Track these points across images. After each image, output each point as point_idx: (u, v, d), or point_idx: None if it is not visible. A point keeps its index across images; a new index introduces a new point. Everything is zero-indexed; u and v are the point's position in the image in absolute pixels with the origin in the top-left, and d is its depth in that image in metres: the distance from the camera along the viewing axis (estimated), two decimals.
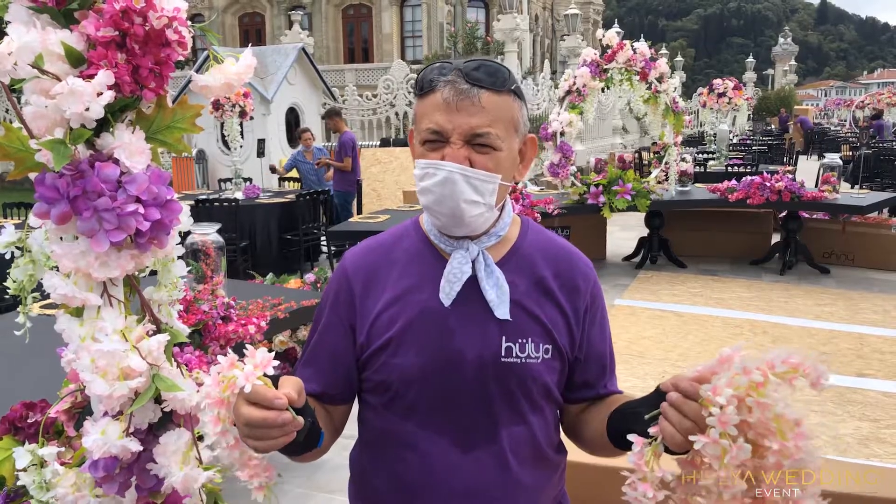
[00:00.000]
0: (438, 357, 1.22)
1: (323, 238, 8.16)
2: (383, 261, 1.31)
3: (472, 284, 1.24)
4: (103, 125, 0.94)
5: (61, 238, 0.96)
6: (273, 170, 10.24)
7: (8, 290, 1.19)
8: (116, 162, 0.94)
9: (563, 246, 1.36)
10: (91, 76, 0.91)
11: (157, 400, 1.01)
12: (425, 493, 1.24)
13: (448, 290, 1.22)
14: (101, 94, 0.90)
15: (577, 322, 1.29)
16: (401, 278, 1.27)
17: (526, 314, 1.25)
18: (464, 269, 1.23)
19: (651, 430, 1.04)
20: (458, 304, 1.23)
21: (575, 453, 1.42)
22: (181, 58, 1.03)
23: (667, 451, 1.03)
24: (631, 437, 1.05)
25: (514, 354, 1.23)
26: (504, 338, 1.23)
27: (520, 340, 1.23)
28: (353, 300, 1.29)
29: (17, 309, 2.89)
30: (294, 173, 9.87)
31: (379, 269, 1.30)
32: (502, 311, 1.22)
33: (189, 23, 1.01)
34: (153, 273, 1.14)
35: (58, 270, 0.97)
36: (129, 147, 0.94)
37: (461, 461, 1.23)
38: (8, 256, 1.15)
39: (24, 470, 1.09)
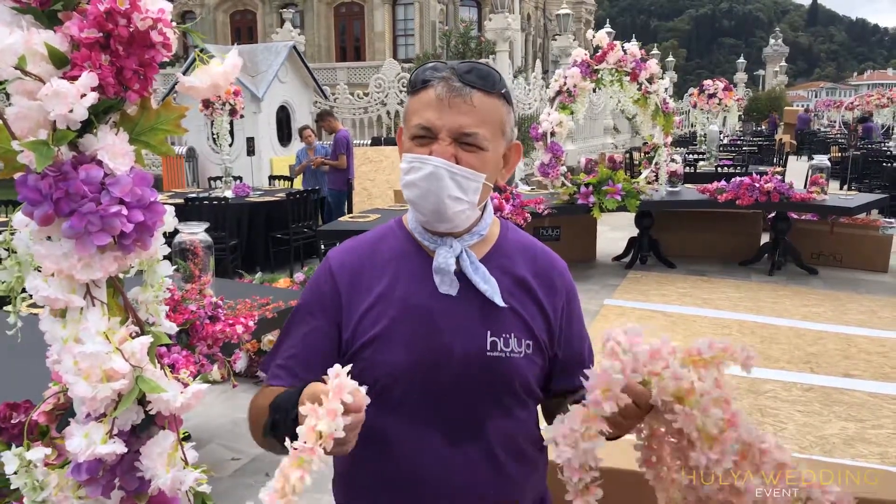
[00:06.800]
0: (425, 352, 1.24)
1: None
2: (368, 259, 1.33)
3: (457, 280, 1.26)
4: (87, 127, 0.94)
5: (49, 238, 0.96)
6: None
7: None
8: (100, 164, 0.94)
9: (540, 247, 1.41)
10: (75, 77, 0.91)
11: (140, 401, 1.00)
12: (415, 488, 1.26)
13: (449, 281, 1.25)
14: (85, 95, 0.89)
15: (556, 319, 1.34)
16: (386, 276, 1.30)
17: (509, 310, 1.28)
18: (449, 263, 1.26)
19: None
20: (443, 301, 1.26)
21: None
22: (166, 59, 1.02)
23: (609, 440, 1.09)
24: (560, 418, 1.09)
25: (498, 349, 1.26)
26: (489, 332, 1.26)
27: (504, 335, 1.26)
28: (338, 298, 1.30)
29: (3, 308, 2.86)
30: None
31: (364, 267, 1.32)
32: (498, 299, 1.26)
33: (174, 24, 1.01)
34: (139, 272, 1.14)
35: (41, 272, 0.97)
36: (113, 149, 0.94)
37: (450, 455, 1.25)
38: None
39: (15, 473, 1.08)
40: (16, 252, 1.16)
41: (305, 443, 0.92)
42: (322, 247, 8.01)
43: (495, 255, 1.33)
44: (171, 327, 1.16)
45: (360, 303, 1.28)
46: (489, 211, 1.35)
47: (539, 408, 1.41)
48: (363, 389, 1.00)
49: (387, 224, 1.41)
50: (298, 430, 0.94)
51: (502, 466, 1.27)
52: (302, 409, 0.96)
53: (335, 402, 0.95)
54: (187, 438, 1.12)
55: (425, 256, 1.30)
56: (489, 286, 1.26)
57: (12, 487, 1.08)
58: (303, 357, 1.30)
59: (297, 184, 9.93)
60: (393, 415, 1.26)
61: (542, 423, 1.41)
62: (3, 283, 1.15)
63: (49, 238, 0.95)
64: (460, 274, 1.27)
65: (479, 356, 1.25)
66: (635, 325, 1.06)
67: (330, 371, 0.98)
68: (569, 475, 1.07)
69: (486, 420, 1.26)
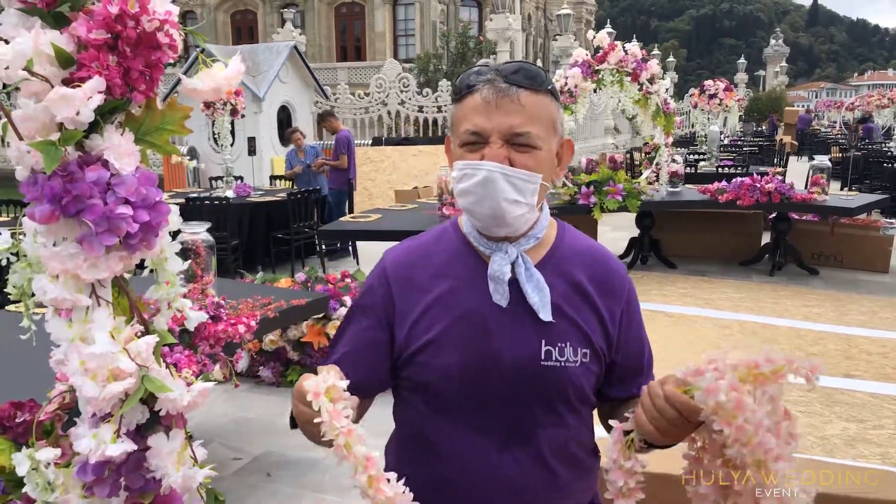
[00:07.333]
0: (478, 359, 1.22)
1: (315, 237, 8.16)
2: (423, 262, 1.31)
3: (512, 287, 1.24)
4: (93, 127, 0.94)
5: (54, 243, 0.96)
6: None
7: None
8: (105, 164, 0.94)
9: (598, 249, 1.37)
10: (81, 78, 0.92)
11: (143, 401, 1.01)
12: (463, 491, 1.25)
13: (502, 291, 1.23)
14: (91, 97, 0.90)
15: (614, 325, 1.30)
16: (441, 280, 1.28)
17: (564, 318, 1.25)
18: (504, 271, 1.23)
19: (629, 418, 1.11)
20: (498, 307, 1.23)
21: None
22: (171, 60, 1.03)
23: (652, 447, 1.12)
24: (612, 422, 1.13)
25: (553, 358, 1.23)
26: (543, 341, 1.23)
27: (559, 344, 1.23)
28: (391, 300, 1.30)
29: (4, 308, 2.85)
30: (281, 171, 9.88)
31: (418, 269, 1.31)
32: (545, 313, 1.22)
33: (179, 25, 1.02)
34: (147, 270, 1.15)
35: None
36: (118, 149, 0.95)
37: (499, 461, 1.24)
38: (4, 263, 1.16)
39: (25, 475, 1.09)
40: (26, 255, 1.17)
41: (339, 432, 0.99)
42: (323, 247, 8.03)
43: (551, 259, 1.29)
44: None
45: (414, 306, 1.27)
46: (545, 213, 1.32)
47: (595, 412, 1.38)
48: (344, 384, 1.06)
49: (442, 226, 1.39)
50: (322, 424, 1.00)
51: (553, 473, 1.26)
52: (314, 404, 1.02)
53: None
54: (189, 438, 1.13)
55: (480, 261, 1.28)
56: (540, 298, 1.23)
57: (24, 490, 1.08)
58: (353, 355, 1.31)
59: None
60: (444, 418, 1.26)
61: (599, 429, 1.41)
62: (15, 287, 1.16)
63: (56, 240, 0.96)
64: (514, 281, 1.24)
65: (533, 365, 1.22)
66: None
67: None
68: (614, 478, 1.07)
69: (538, 427, 1.25)
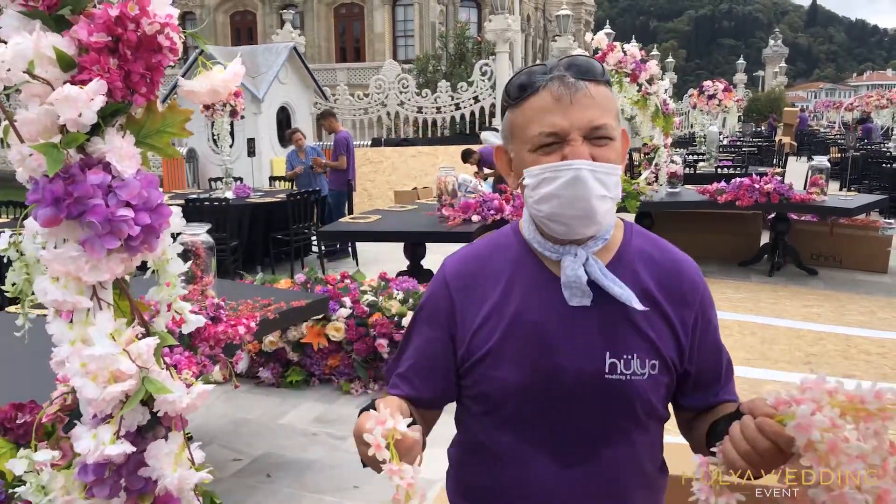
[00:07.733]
0: (539, 371, 1.18)
1: (313, 238, 8.17)
2: (483, 269, 1.27)
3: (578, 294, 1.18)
4: (94, 130, 0.95)
5: (55, 245, 0.97)
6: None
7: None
8: (107, 166, 0.95)
9: (668, 251, 1.28)
10: (82, 81, 0.92)
11: (144, 402, 1.01)
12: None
13: (580, 294, 1.16)
14: (93, 99, 0.90)
15: (686, 334, 1.21)
16: (500, 287, 1.23)
17: (631, 328, 1.18)
18: (578, 275, 1.16)
19: (716, 451, 1.03)
20: (560, 316, 1.18)
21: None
22: (172, 63, 1.03)
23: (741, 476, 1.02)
24: (695, 457, 1.05)
25: (618, 371, 1.16)
26: (608, 353, 1.16)
27: (624, 356, 1.16)
28: (453, 309, 1.26)
29: (5, 309, 2.85)
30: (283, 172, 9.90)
31: (479, 277, 1.26)
32: (636, 302, 1.14)
33: (180, 28, 1.02)
34: (149, 272, 1.15)
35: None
36: (120, 151, 0.95)
37: (561, 477, 1.20)
38: (6, 260, 1.16)
39: (22, 477, 1.09)
40: (24, 254, 1.18)
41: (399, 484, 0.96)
42: (323, 247, 8.03)
43: (619, 262, 1.22)
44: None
45: (475, 315, 1.23)
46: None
47: (666, 424, 1.31)
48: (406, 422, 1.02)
49: (501, 231, 1.34)
50: (384, 467, 0.96)
51: (617, 491, 1.21)
52: (373, 454, 0.97)
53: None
54: (189, 439, 1.13)
55: (542, 267, 1.22)
56: (623, 290, 1.14)
57: (18, 492, 1.08)
58: (419, 367, 1.28)
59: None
60: (504, 430, 1.22)
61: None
62: (13, 284, 1.16)
63: (55, 244, 0.97)
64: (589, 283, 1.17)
65: (596, 379, 1.16)
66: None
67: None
68: None
69: (601, 443, 1.19)
